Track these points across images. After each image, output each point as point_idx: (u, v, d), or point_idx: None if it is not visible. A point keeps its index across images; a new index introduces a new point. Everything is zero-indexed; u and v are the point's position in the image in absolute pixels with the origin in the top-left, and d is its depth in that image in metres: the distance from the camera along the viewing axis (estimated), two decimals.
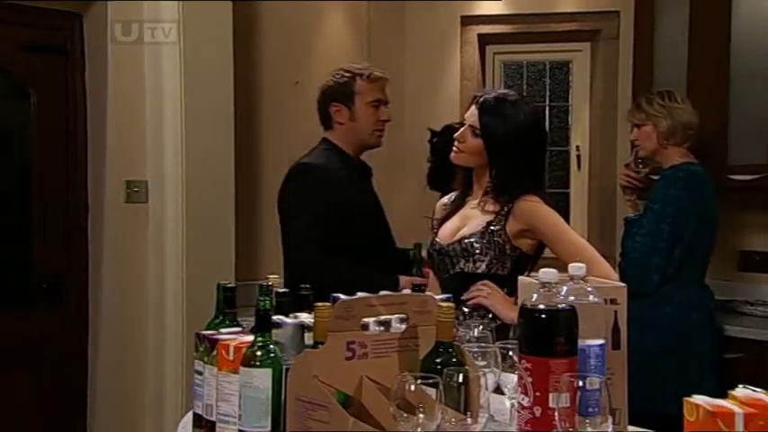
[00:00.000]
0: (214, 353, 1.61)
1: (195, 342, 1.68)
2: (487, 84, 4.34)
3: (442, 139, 3.10)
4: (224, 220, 3.45)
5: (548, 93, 4.39)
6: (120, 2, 3.31)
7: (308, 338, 1.51)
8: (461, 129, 2.38)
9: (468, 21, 4.33)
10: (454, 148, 2.38)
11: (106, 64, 3.34)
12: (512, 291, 2.14)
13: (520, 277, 1.75)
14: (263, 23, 3.83)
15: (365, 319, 1.36)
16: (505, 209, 2.32)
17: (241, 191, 3.56)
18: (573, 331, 1.34)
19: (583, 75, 4.32)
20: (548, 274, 1.36)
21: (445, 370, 1.29)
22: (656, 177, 3.24)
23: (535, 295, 1.37)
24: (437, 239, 2.42)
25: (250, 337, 1.59)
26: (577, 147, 4.31)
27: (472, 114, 2.35)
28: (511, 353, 1.58)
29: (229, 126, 3.45)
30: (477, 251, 2.28)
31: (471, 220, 2.36)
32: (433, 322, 1.39)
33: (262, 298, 1.46)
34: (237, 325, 1.74)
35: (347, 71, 2.78)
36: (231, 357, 1.54)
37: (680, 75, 3.64)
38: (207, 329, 1.75)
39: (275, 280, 1.76)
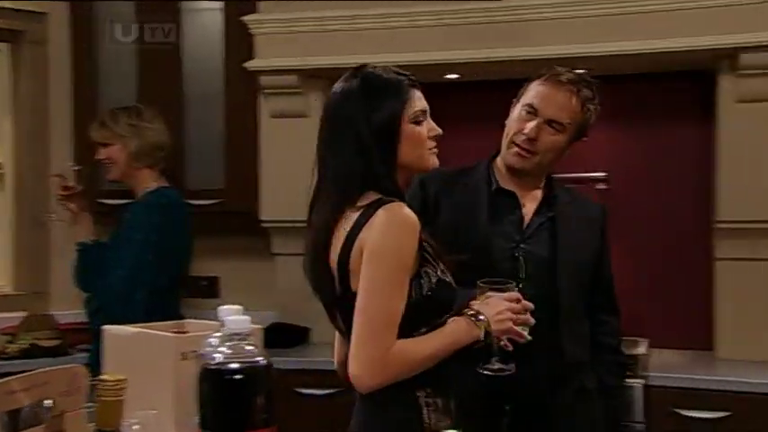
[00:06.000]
0: None
1: None
2: None
3: None
4: None
5: None
6: None
7: None
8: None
9: None
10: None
11: None
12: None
13: (109, 327, 1.34)
14: None
15: None
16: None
17: None
18: (271, 393, 1.06)
19: (2, 80, 3.72)
20: (238, 321, 1.04)
21: None
22: (125, 202, 2.97)
23: (218, 352, 1.03)
24: None
25: None
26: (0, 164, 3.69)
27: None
28: None
29: None
30: None
31: None
32: (81, 404, 0.94)
33: None
34: None
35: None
36: None
37: (129, 91, 3.43)
38: None
39: None
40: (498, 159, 2.07)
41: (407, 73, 1.70)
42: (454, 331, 1.61)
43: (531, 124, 1.96)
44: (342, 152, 1.64)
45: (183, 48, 3.40)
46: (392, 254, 1.55)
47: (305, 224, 3.22)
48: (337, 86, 1.69)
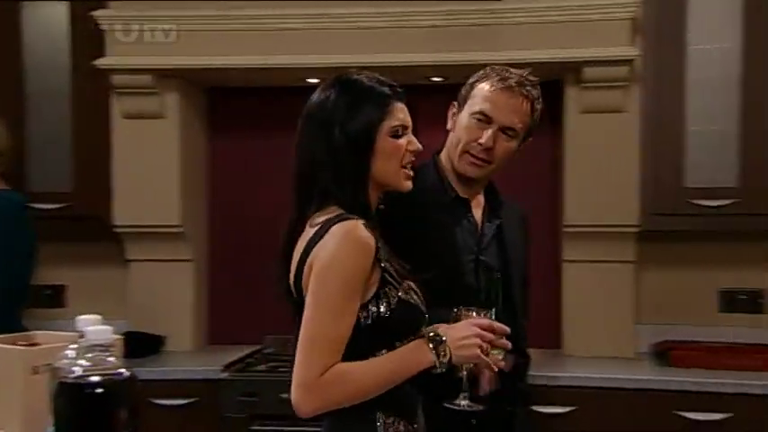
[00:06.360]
0: None
1: None
2: None
3: None
4: None
5: None
6: None
7: None
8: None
9: None
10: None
11: None
12: None
13: None
14: None
15: None
16: None
17: None
18: (136, 406, 1.01)
19: None
20: (98, 332, 0.99)
21: None
22: None
23: (76, 365, 0.98)
24: None
25: None
26: None
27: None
28: None
29: None
30: None
31: None
32: None
33: None
34: None
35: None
36: None
37: None
38: None
39: None
40: (443, 162, 2.00)
41: (394, 83, 1.63)
42: (404, 354, 1.53)
43: (488, 134, 1.90)
44: (313, 158, 1.58)
45: (23, 43, 3.19)
46: (338, 274, 1.47)
47: (161, 229, 3.20)
48: (318, 90, 1.63)
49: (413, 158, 1.62)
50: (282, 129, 3.39)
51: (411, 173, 1.62)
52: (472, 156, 1.92)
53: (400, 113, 1.60)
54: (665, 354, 2.98)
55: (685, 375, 2.78)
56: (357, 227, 1.50)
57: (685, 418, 2.69)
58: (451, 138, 1.97)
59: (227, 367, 2.96)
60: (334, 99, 1.58)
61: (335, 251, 1.47)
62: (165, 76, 3.14)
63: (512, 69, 1.95)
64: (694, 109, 2.95)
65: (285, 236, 1.59)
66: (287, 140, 3.45)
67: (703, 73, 2.94)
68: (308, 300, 1.48)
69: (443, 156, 2.00)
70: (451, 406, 1.61)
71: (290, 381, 2.82)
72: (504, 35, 2.94)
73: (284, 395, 2.78)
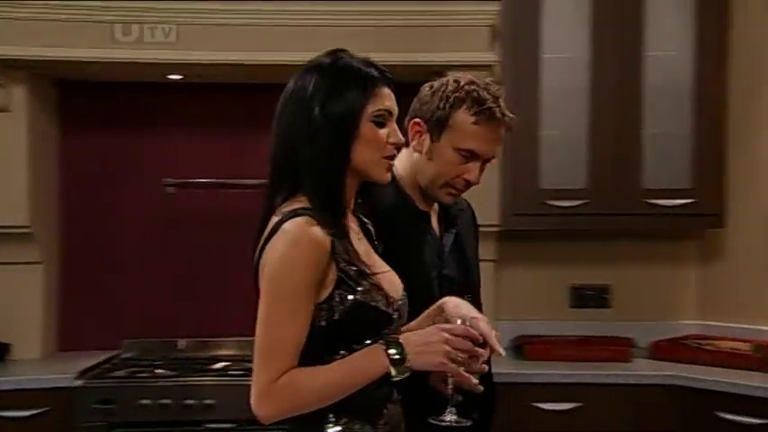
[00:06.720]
0: None
1: None
2: None
3: None
4: None
5: None
6: None
7: None
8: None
9: None
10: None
11: None
12: None
13: None
14: None
15: None
16: None
17: None
18: None
19: None
20: None
21: None
22: None
23: None
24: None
25: None
26: None
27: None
28: None
29: None
30: None
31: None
32: None
33: None
34: None
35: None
36: None
37: None
38: None
39: None
40: (400, 173, 1.86)
41: (383, 68, 1.54)
42: (357, 359, 1.45)
43: (476, 170, 1.85)
44: (291, 142, 1.49)
45: None
46: (288, 275, 1.41)
47: (7, 230, 3.01)
48: (301, 70, 1.53)
49: (394, 152, 1.54)
50: (140, 125, 3.35)
51: (393, 163, 1.55)
52: (455, 188, 1.87)
53: (387, 99, 1.52)
54: (521, 348, 3.10)
55: (539, 368, 2.91)
56: (309, 225, 1.43)
57: (540, 408, 2.81)
58: (426, 165, 1.87)
59: (82, 374, 2.83)
60: (316, 79, 1.49)
61: (285, 250, 1.41)
62: (11, 68, 2.95)
63: (480, 87, 1.85)
64: (548, 114, 3.09)
65: (257, 226, 1.51)
66: (144, 138, 3.40)
67: (556, 80, 3.08)
68: (260, 301, 1.43)
69: (401, 167, 1.87)
70: (437, 422, 1.50)
71: (150, 385, 2.78)
72: (368, 37, 2.95)
73: (144, 401, 2.75)
